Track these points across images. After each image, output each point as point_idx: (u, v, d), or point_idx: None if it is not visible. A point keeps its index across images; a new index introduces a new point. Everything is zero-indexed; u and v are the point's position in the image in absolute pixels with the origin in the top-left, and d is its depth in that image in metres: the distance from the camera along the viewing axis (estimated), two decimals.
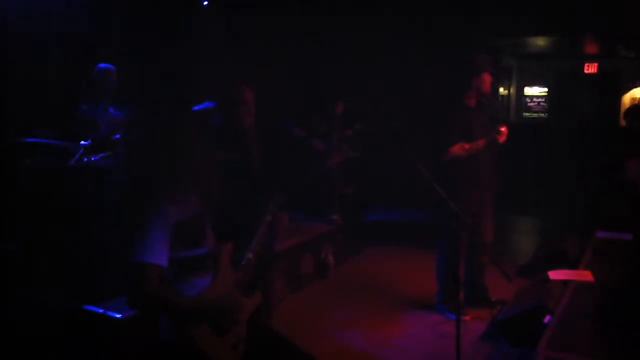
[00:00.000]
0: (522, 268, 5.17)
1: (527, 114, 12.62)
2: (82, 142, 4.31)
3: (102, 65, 4.74)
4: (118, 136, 4.61)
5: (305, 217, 5.77)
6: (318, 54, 7.04)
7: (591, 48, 10.86)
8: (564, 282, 3.64)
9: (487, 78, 4.19)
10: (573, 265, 4.15)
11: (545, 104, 12.49)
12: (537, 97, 12.56)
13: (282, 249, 4.78)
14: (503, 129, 4.03)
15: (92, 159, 4.32)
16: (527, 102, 12.65)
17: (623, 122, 10.71)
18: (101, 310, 3.31)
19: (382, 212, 7.63)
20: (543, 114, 12.49)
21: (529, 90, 12.62)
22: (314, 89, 6.85)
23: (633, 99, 10.98)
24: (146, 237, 2.03)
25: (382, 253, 5.99)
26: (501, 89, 11.90)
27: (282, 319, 4.28)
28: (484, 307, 4.29)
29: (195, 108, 5.00)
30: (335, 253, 5.42)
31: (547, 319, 3.32)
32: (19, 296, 3.54)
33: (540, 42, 10.36)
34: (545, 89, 12.47)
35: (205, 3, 6.43)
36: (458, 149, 4.09)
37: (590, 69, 11.56)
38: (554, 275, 3.83)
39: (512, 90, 12.52)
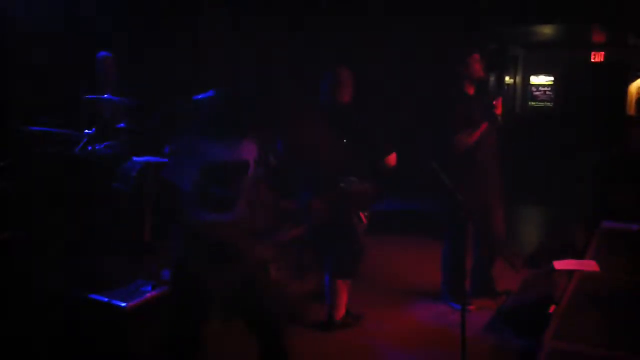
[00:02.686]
0: (529, 259, 5.16)
1: (533, 103, 12.56)
2: (86, 130, 4.31)
3: (101, 53, 4.74)
4: (122, 124, 4.61)
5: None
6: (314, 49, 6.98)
7: (598, 37, 10.78)
8: (570, 272, 3.63)
9: (475, 63, 4.18)
10: (580, 255, 4.13)
11: (551, 93, 12.43)
12: (543, 86, 12.50)
13: (288, 237, 4.77)
14: (496, 101, 4.06)
15: (97, 147, 4.33)
16: (533, 91, 12.59)
17: (632, 111, 10.65)
18: (106, 299, 3.32)
19: (387, 202, 7.61)
20: (549, 103, 12.42)
21: (535, 79, 12.55)
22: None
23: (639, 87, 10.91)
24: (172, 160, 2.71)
25: (387, 243, 5.96)
26: (507, 78, 11.84)
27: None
28: (489, 297, 4.29)
29: (198, 97, 4.99)
30: None
31: (552, 309, 3.31)
32: (24, 283, 3.55)
33: (546, 30, 10.29)
34: (552, 78, 12.40)
35: None
36: (463, 138, 4.07)
37: (597, 57, 11.48)
38: (559, 265, 3.81)
39: (518, 79, 12.45)
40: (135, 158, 4.47)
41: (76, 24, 4.99)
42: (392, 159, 3.79)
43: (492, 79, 10.26)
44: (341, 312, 3.91)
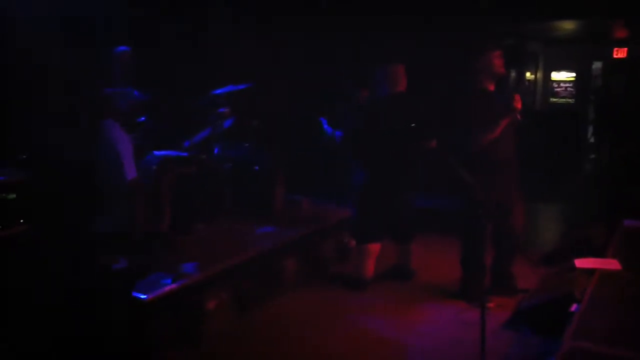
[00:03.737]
0: (547, 256, 5.11)
1: (554, 100, 12.41)
2: None
3: (120, 47, 4.76)
4: (143, 119, 4.64)
5: (326, 201, 5.75)
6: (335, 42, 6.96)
7: (620, 32, 10.61)
8: (591, 271, 3.59)
9: (494, 58, 4.15)
10: (599, 253, 4.08)
11: (572, 90, 12.27)
12: (565, 82, 12.34)
13: (303, 233, 4.79)
14: (516, 95, 4.06)
15: None
16: (554, 88, 12.43)
17: None
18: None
19: None
20: (570, 100, 12.27)
21: (556, 76, 12.40)
22: (336, 76, 6.79)
23: None
24: None
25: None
26: (528, 74, 11.71)
27: (304, 302, 4.31)
28: (509, 294, 4.25)
29: (217, 92, 5.02)
30: None
31: (573, 307, 3.28)
32: (46, 276, 3.59)
33: (567, 26, 10.15)
34: (573, 74, 12.24)
35: None
36: (483, 135, 4.05)
37: (620, 53, 11.30)
38: (580, 263, 3.78)
39: (539, 75, 12.31)
40: (155, 152, 4.50)
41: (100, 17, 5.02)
42: (434, 142, 4.45)
43: (512, 75, 10.16)
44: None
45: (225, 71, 5.70)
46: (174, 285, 3.50)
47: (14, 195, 3.63)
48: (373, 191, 4.53)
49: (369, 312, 4.16)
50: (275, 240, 4.52)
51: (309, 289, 4.57)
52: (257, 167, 5.25)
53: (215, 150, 5.23)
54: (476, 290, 4.11)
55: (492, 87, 4.22)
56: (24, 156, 3.98)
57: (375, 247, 4.59)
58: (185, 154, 4.70)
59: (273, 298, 4.29)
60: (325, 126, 5.43)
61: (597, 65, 11.82)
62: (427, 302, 4.34)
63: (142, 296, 3.31)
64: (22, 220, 3.69)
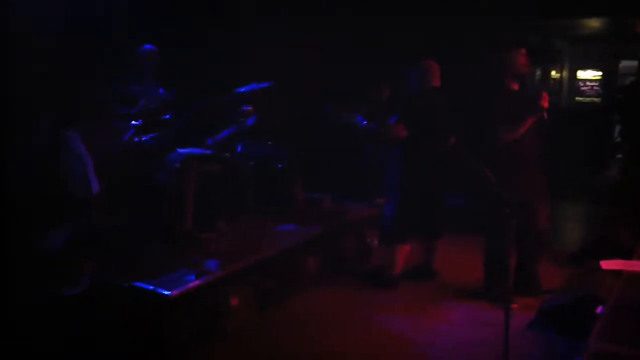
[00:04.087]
0: (573, 256, 5.05)
1: (580, 99, 12.23)
2: (133, 122, 4.40)
3: (145, 46, 4.81)
4: (167, 116, 4.69)
5: (349, 199, 5.75)
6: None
7: None
8: (617, 272, 3.53)
9: (518, 57, 4.12)
10: (626, 255, 4.02)
11: (599, 88, 12.08)
12: (591, 81, 12.16)
13: (324, 231, 4.79)
14: (544, 93, 4.02)
15: (143, 138, 4.42)
16: (580, 86, 12.26)
17: None
18: (151, 287, 3.39)
19: None
20: (596, 99, 12.08)
21: (582, 74, 12.22)
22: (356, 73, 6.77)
23: None
24: None
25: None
26: (553, 72, 11.57)
27: (324, 301, 4.31)
28: (533, 295, 4.20)
29: (241, 90, 5.05)
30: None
31: (599, 309, 3.23)
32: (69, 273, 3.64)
33: (593, 24, 10.00)
34: (600, 73, 12.05)
35: None
36: (507, 133, 4.02)
37: None
38: (606, 264, 3.72)
39: (564, 74, 12.15)
40: (179, 149, 4.54)
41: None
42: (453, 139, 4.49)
43: (537, 73, 10.05)
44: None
45: (249, 69, 5.73)
46: (197, 282, 3.52)
47: None
48: (410, 190, 4.52)
49: (390, 311, 4.15)
50: (297, 238, 4.53)
51: (330, 287, 4.57)
52: (279, 165, 5.27)
53: (238, 148, 5.26)
54: (500, 290, 4.06)
55: (516, 86, 4.19)
56: None
57: (407, 247, 4.59)
58: (208, 152, 4.74)
59: (294, 296, 4.30)
60: (363, 123, 5.40)
61: (624, 63, 11.62)
62: (449, 302, 4.31)
63: (166, 292, 3.34)
64: None
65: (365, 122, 5.28)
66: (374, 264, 4.95)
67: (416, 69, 4.60)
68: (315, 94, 6.44)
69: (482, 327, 3.86)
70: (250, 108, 5.07)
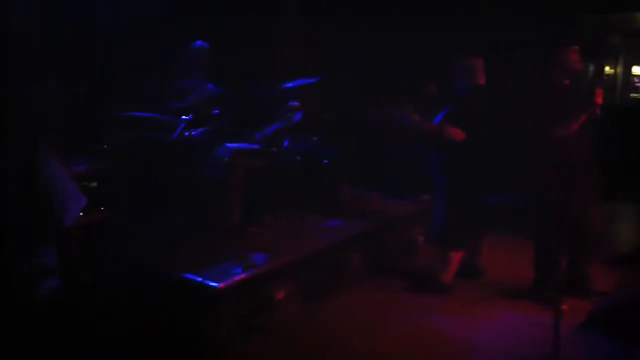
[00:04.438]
0: (625, 257, 4.91)
1: (635, 95, 11.83)
2: (183, 117, 4.49)
3: (197, 42, 4.91)
4: (217, 111, 4.77)
5: (394, 196, 5.72)
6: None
7: None
8: None
9: (570, 53, 4.02)
10: None
11: None
12: None
13: (370, 227, 4.79)
14: (598, 90, 3.92)
15: (193, 133, 4.50)
16: (635, 82, 11.85)
17: None
18: (199, 279, 3.46)
19: None
20: None
21: (637, 70, 11.81)
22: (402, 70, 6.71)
23: None
24: None
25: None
26: (607, 68, 11.22)
27: (369, 297, 4.31)
28: (584, 297, 4.10)
29: (288, 85, 5.08)
30: (425, 234, 5.35)
31: None
32: (119, 263, 3.74)
33: None
34: None
35: None
36: (558, 130, 3.94)
37: None
38: None
39: (618, 69, 11.77)
40: (227, 144, 4.61)
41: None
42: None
43: (591, 69, 9.77)
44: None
45: (296, 65, 5.76)
46: (243, 275, 3.57)
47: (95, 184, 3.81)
48: (463, 192, 4.40)
49: (435, 310, 4.12)
50: (342, 234, 4.54)
51: (374, 284, 4.57)
52: (325, 161, 5.28)
53: (285, 143, 5.31)
54: (550, 291, 3.99)
55: (567, 82, 4.09)
56: (105, 147, 4.15)
57: (462, 253, 4.50)
58: (256, 147, 4.79)
59: (338, 292, 4.31)
60: (406, 120, 5.35)
61: None
62: (496, 302, 4.25)
63: (214, 284, 3.40)
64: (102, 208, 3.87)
65: (408, 119, 5.23)
66: (420, 263, 4.89)
67: (461, 66, 4.51)
68: (361, 91, 6.43)
69: (531, 327, 3.78)
70: (297, 103, 5.10)
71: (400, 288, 4.53)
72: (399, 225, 5.16)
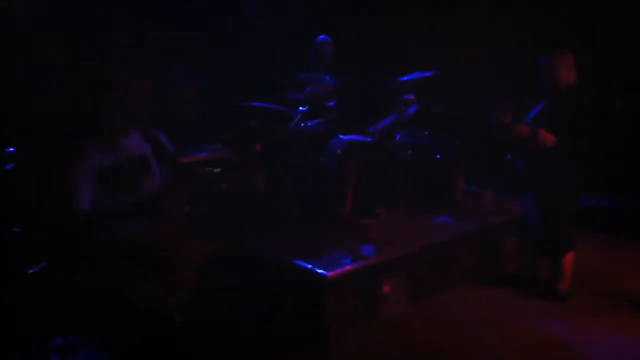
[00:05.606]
0: None
1: None
2: (300, 108, 4.61)
3: (321, 36, 5.02)
4: (332, 103, 4.85)
5: (510, 194, 5.50)
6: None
7: None
8: None
9: None
10: None
11: None
12: None
13: (481, 226, 4.64)
14: None
15: (309, 124, 4.61)
16: None
17: None
18: (309, 266, 3.55)
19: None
20: None
21: None
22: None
23: None
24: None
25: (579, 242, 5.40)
26: None
27: (477, 299, 4.20)
28: None
29: (404, 78, 5.05)
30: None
31: None
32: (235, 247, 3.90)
33: None
34: None
35: None
36: None
37: None
38: None
39: None
40: (341, 136, 4.67)
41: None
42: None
43: None
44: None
45: (413, 58, 5.71)
46: (352, 266, 3.62)
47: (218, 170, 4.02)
48: (565, 192, 4.13)
49: (547, 315, 3.93)
50: (453, 232, 4.45)
51: (483, 285, 4.43)
52: (438, 156, 5.19)
53: (397, 137, 5.29)
54: None
55: None
56: (227, 135, 4.36)
57: (572, 254, 4.21)
58: (369, 139, 4.82)
59: (445, 290, 4.23)
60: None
61: None
62: (611, 311, 3.98)
63: (323, 272, 3.47)
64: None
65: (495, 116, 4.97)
66: (536, 270, 4.61)
67: (551, 61, 4.10)
68: (476, 88, 6.25)
69: None
70: (412, 97, 5.06)
71: (509, 290, 4.35)
72: (513, 226, 4.95)
